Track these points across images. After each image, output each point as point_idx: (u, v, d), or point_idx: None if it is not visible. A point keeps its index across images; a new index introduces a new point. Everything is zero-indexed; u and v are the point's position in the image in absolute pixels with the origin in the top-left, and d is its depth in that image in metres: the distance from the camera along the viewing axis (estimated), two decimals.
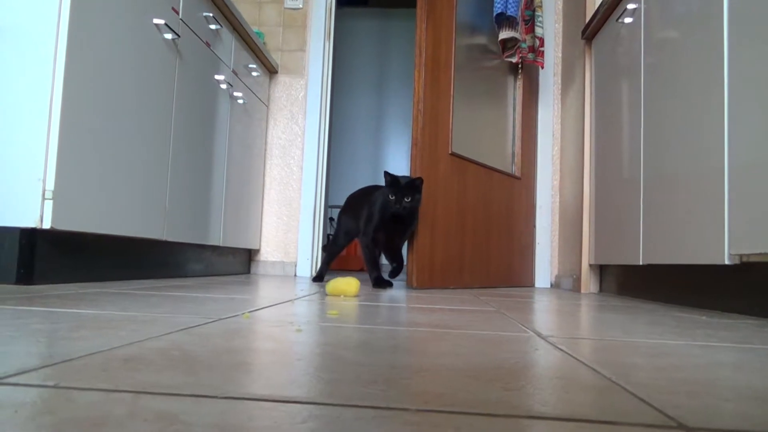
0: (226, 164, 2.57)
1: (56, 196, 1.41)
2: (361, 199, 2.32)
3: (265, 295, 1.51)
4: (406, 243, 2.27)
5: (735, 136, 1.35)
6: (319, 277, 2.43)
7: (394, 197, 2.03)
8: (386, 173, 2.09)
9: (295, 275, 3.08)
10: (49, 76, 1.41)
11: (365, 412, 0.41)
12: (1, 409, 0.38)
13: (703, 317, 1.30)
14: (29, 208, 1.39)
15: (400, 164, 5.73)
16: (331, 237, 2.75)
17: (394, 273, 2.28)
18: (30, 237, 1.42)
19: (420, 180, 2.07)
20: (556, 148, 3.16)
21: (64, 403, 0.40)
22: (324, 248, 2.59)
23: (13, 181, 1.40)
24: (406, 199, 2.03)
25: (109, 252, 1.74)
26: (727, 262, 1.37)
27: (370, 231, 2.16)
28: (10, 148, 1.41)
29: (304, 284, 2.17)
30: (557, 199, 3.13)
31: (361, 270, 4.46)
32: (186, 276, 2.27)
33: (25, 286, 1.37)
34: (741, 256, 1.34)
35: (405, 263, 2.31)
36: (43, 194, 1.40)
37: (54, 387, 0.44)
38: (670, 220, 1.68)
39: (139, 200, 1.80)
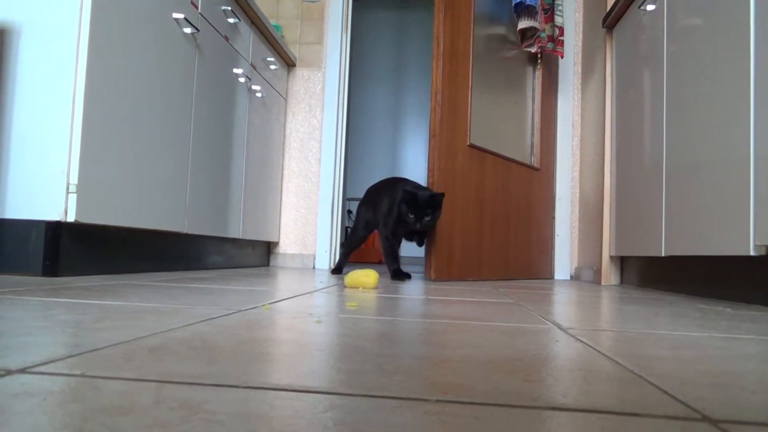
0: (245, 157, 2.59)
1: (80, 189, 1.43)
2: (381, 191, 2.32)
3: (284, 287, 1.52)
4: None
5: (761, 125, 1.32)
6: (337, 269, 2.44)
7: (413, 215, 2.01)
8: (405, 191, 2.02)
9: (314, 267, 3.09)
10: (71, 71, 1.43)
11: (386, 402, 0.41)
12: (30, 396, 0.39)
13: (728, 309, 1.28)
14: (54, 201, 1.42)
15: (417, 156, 5.71)
16: (349, 229, 2.76)
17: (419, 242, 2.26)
18: (55, 230, 1.45)
19: (441, 196, 2.03)
20: (575, 139, 3.12)
21: (90, 391, 0.41)
22: (343, 244, 2.57)
23: (39, 175, 1.43)
24: (426, 218, 2.02)
25: (131, 245, 1.77)
26: (752, 253, 1.34)
27: (390, 223, 2.16)
28: (34, 142, 1.44)
29: (323, 276, 2.18)
30: (577, 191, 3.09)
31: (380, 262, 4.47)
32: (206, 268, 2.30)
33: (51, 278, 1.40)
34: (767, 247, 1.32)
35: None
36: (67, 188, 1.42)
37: (81, 376, 0.45)
38: (693, 210, 1.65)
39: (161, 194, 1.82)
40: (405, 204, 2.02)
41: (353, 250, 2.50)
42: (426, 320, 0.91)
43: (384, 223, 2.20)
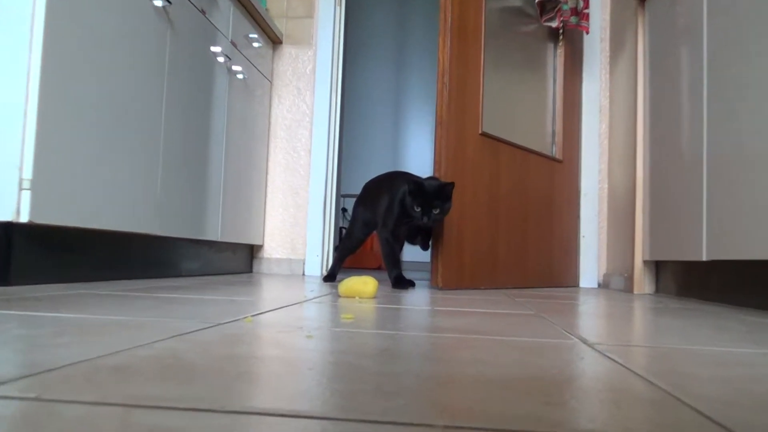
0: (224, 148, 2.59)
1: (35, 185, 1.43)
2: (380, 186, 2.32)
3: (269, 296, 1.52)
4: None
5: None
6: (330, 276, 2.44)
7: (420, 209, 2.00)
8: (409, 181, 2.03)
9: (304, 274, 3.10)
10: (25, 50, 1.43)
11: (386, 428, 0.41)
12: None
13: None
14: (4, 199, 1.42)
15: (422, 146, 5.72)
16: (344, 231, 2.75)
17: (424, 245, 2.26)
18: (6, 232, 1.45)
19: (451, 186, 2.03)
20: (603, 126, 3.12)
21: (46, 417, 0.41)
22: (337, 248, 2.57)
23: None
24: (434, 211, 2.01)
25: (94, 249, 1.77)
26: None
27: (390, 224, 2.16)
28: None
29: (314, 284, 2.18)
30: (605, 185, 3.09)
31: (379, 268, 4.48)
32: (180, 275, 2.30)
33: (1, 288, 1.40)
34: None
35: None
36: (20, 184, 1.42)
37: (35, 399, 0.45)
38: (740, 208, 1.65)
39: (128, 190, 1.82)
40: (410, 195, 2.01)
41: (349, 254, 2.50)
42: (432, 334, 0.91)
43: (384, 223, 2.20)
